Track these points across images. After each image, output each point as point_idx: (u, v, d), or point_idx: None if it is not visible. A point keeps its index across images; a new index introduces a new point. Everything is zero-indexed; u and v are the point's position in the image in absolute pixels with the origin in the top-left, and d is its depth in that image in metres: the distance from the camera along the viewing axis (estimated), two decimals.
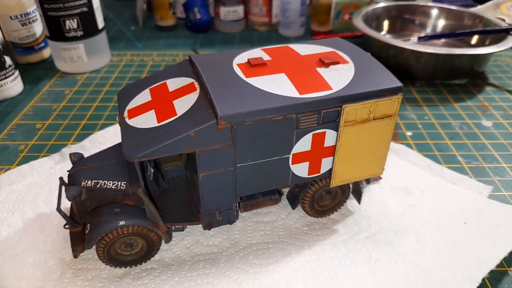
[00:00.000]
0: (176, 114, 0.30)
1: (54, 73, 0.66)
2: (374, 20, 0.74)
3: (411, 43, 0.67)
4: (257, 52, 0.36)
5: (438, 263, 0.35)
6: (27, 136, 0.51)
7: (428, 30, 0.76)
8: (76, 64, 0.65)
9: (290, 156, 0.33)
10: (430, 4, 0.76)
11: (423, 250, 0.36)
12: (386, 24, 0.76)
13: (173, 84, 0.34)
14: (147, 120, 0.30)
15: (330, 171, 0.36)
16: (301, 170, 0.35)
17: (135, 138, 0.29)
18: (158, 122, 0.30)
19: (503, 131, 0.53)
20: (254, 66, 0.33)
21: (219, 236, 0.38)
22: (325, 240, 0.37)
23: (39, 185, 0.42)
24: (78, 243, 0.33)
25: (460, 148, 0.49)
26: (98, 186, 0.33)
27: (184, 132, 0.29)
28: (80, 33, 0.62)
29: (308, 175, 0.35)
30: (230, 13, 0.82)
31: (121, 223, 0.32)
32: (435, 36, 0.72)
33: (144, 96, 0.33)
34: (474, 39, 0.71)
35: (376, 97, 0.32)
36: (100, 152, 0.36)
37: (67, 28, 0.61)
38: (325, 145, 0.34)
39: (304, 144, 0.33)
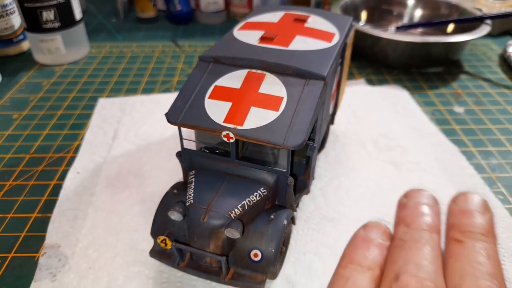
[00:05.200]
0: (283, 97, 0.30)
1: (33, 65, 0.66)
2: (352, 11, 0.74)
3: (388, 33, 0.68)
4: (247, 33, 0.37)
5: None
6: (4, 126, 0.51)
7: (405, 20, 0.77)
8: (54, 56, 0.65)
9: (331, 97, 0.38)
10: None
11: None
12: (364, 14, 0.77)
13: (229, 82, 0.31)
14: (263, 116, 0.29)
15: (336, 103, 0.44)
16: (330, 108, 0.40)
17: (278, 131, 0.28)
18: (277, 111, 0.29)
19: (474, 117, 0.54)
20: (275, 38, 0.35)
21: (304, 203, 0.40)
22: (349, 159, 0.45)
23: None
24: (252, 277, 0.29)
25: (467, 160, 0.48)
26: (246, 208, 0.29)
27: (314, 103, 0.29)
28: (57, 25, 0.63)
29: (331, 112, 0.42)
30: (211, 4, 0.82)
31: (285, 222, 0.30)
32: (412, 26, 0.73)
33: (217, 106, 0.30)
34: (450, 28, 0.72)
35: (350, 30, 0.40)
36: (189, 192, 0.30)
37: (44, 19, 0.61)
38: (337, 80, 0.40)
39: (334, 84, 0.38)
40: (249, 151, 0.33)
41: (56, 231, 0.36)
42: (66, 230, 0.36)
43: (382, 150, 0.46)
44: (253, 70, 0.32)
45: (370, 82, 0.61)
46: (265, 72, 0.32)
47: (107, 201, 0.39)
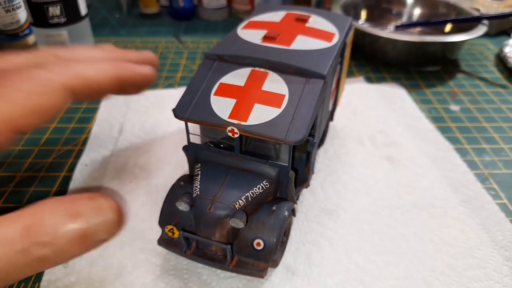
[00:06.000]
0: (285, 95, 0.31)
1: None
2: (353, 9, 0.75)
3: (387, 32, 0.70)
4: (250, 32, 0.38)
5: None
6: None
7: (404, 19, 0.78)
8: None
9: (330, 95, 0.40)
10: None
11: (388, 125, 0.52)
12: (364, 13, 0.78)
13: (234, 80, 0.33)
14: (266, 113, 0.30)
15: (335, 100, 0.46)
16: (330, 105, 0.43)
17: (280, 127, 0.29)
18: (280, 108, 0.30)
19: (469, 115, 0.55)
20: (277, 38, 0.36)
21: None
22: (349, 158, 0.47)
23: None
24: (254, 265, 0.31)
25: (460, 156, 0.49)
26: (250, 199, 0.31)
27: (314, 101, 0.31)
28: (63, 20, 0.64)
29: (330, 109, 0.44)
30: (213, 0, 0.83)
31: (286, 213, 0.31)
32: (411, 25, 0.75)
33: (222, 102, 0.31)
34: (448, 27, 0.73)
35: (350, 30, 0.42)
36: (195, 184, 0.32)
37: (51, 15, 0.63)
38: (336, 78, 0.42)
39: (333, 82, 0.40)
40: (252, 146, 0.35)
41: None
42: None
43: (379, 146, 0.48)
44: (256, 69, 0.33)
45: (369, 80, 0.63)
46: (267, 71, 0.33)
47: (113, 192, 0.41)
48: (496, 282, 0.33)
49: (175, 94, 0.56)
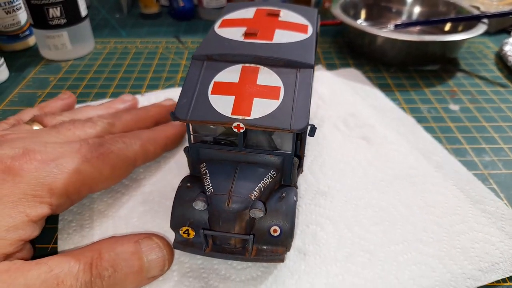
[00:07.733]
0: (280, 87, 0.32)
1: (39, 60, 0.68)
2: (352, 9, 0.76)
3: (386, 31, 0.70)
4: (228, 30, 0.39)
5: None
6: None
7: (404, 17, 0.78)
8: (60, 52, 0.66)
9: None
10: None
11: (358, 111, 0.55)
12: (363, 12, 0.78)
13: (227, 77, 0.33)
14: (266, 105, 0.31)
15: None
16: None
17: (283, 118, 0.30)
18: (278, 99, 0.31)
19: (469, 114, 0.56)
20: (258, 34, 0.37)
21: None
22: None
23: None
24: (273, 251, 0.32)
25: (426, 131, 0.52)
26: (262, 189, 0.32)
27: (308, 90, 0.32)
28: (63, 21, 0.64)
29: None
30: (213, 0, 0.83)
31: (295, 198, 0.33)
32: (411, 24, 0.75)
33: (222, 100, 0.32)
34: (448, 26, 0.73)
35: (318, 21, 0.43)
36: (206, 183, 0.32)
37: (51, 16, 0.63)
38: None
39: None
40: (250, 140, 0.35)
41: (66, 242, 0.36)
42: (77, 240, 0.36)
43: (353, 128, 0.52)
44: (247, 65, 0.34)
45: (369, 79, 0.63)
46: (258, 65, 0.34)
47: (110, 207, 0.40)
48: (479, 232, 0.38)
49: (175, 95, 0.56)
